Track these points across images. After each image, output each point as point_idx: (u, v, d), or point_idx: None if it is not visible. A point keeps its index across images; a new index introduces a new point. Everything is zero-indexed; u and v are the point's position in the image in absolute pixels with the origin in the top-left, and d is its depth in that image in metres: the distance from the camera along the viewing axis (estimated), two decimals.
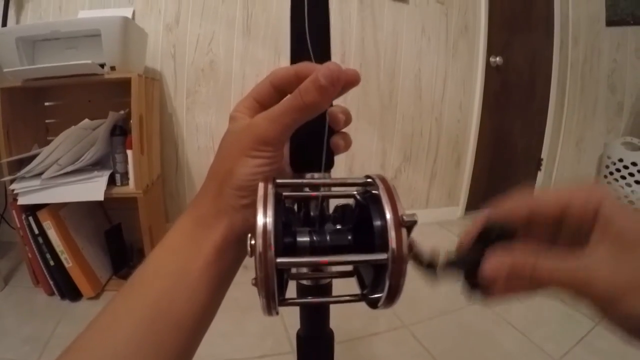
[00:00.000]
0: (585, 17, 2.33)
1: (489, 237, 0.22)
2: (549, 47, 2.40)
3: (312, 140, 0.28)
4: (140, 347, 0.23)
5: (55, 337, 1.14)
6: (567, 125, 2.53)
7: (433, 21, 2.03)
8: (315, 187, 0.28)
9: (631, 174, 1.87)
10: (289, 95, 0.25)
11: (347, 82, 0.25)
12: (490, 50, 2.16)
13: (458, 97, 2.18)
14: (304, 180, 0.28)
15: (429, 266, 0.22)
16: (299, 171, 0.29)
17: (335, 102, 0.30)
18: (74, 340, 0.23)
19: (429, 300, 1.38)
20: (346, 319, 1.23)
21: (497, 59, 2.19)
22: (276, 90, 0.27)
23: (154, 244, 1.42)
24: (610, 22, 2.17)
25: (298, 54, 0.29)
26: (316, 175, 0.28)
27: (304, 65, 0.26)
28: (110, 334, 0.23)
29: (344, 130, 0.30)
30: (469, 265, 0.22)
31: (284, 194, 0.26)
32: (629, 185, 1.88)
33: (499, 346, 1.17)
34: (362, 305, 0.26)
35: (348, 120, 0.29)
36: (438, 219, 2.28)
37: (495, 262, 0.21)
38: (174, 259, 0.25)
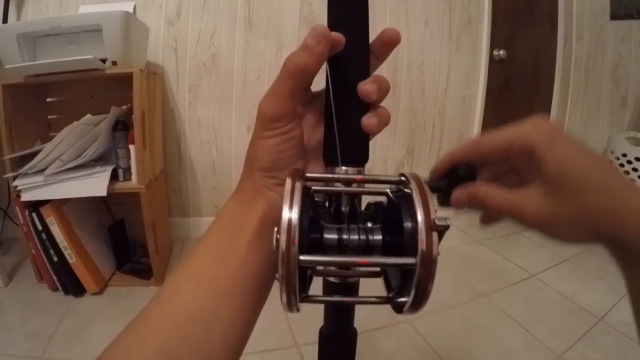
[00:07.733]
0: (589, 10, 2.31)
1: (457, 174, 0.30)
2: (552, 41, 2.37)
3: (343, 131, 0.27)
4: (199, 314, 0.24)
5: (59, 332, 1.15)
6: (571, 119, 2.51)
7: (436, 14, 2.01)
8: (347, 182, 0.26)
9: (635, 169, 1.86)
10: None
11: (387, 41, 0.28)
12: (494, 44, 2.15)
13: (461, 90, 2.17)
14: (334, 175, 0.27)
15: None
16: (331, 165, 0.28)
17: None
18: (138, 314, 0.25)
19: (432, 295, 1.38)
20: None
21: (501, 52, 2.17)
22: None
23: (157, 239, 1.43)
24: (614, 16, 2.14)
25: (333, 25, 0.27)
26: (350, 170, 0.27)
27: None
28: (170, 305, 0.25)
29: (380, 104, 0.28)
30: (441, 191, 0.30)
31: (314, 188, 0.25)
32: (632, 180, 1.87)
33: (501, 341, 1.17)
34: None
35: (383, 89, 0.27)
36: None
37: (459, 193, 0.29)
38: (223, 234, 0.27)
